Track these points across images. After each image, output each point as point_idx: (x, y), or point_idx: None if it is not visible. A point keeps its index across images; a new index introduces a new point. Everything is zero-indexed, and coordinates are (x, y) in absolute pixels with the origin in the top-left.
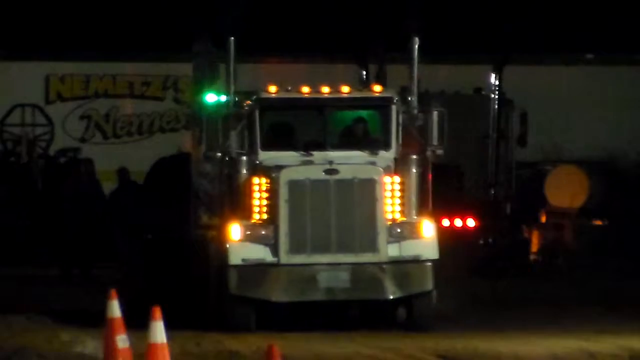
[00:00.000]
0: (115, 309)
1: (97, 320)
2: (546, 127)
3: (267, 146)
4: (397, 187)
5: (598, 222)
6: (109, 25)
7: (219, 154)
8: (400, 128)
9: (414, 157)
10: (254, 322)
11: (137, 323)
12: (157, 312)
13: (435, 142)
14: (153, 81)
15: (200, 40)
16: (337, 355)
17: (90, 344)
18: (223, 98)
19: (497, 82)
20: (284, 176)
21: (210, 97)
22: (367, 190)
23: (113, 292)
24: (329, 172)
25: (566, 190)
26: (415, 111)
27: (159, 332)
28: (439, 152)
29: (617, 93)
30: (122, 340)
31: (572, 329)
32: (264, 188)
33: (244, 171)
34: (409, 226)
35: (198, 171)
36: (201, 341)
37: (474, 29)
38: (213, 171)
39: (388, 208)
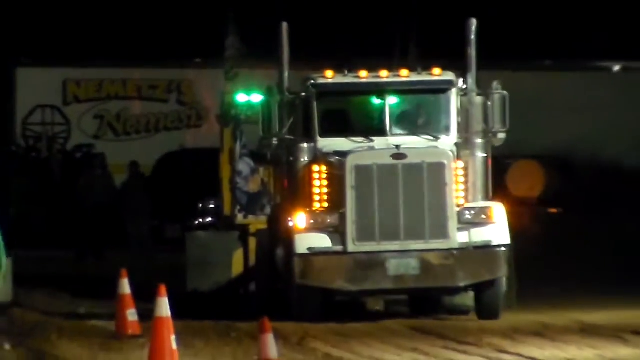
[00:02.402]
0: (125, 286)
1: (110, 297)
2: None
3: (326, 132)
4: (461, 172)
5: (553, 210)
6: (120, 35)
7: (275, 141)
8: (460, 112)
9: (477, 141)
10: (321, 312)
11: (145, 299)
12: (163, 289)
13: (497, 126)
14: (159, 85)
15: (230, 37)
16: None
17: (103, 317)
18: (255, 97)
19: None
20: (351, 162)
21: (241, 97)
22: (437, 174)
23: (123, 272)
24: (397, 156)
25: (525, 182)
26: (475, 94)
27: (164, 307)
28: (501, 136)
29: (570, 96)
30: (131, 314)
31: (531, 304)
32: (326, 175)
33: (303, 158)
34: (479, 211)
35: (233, 169)
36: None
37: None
38: (245, 170)
39: (457, 193)
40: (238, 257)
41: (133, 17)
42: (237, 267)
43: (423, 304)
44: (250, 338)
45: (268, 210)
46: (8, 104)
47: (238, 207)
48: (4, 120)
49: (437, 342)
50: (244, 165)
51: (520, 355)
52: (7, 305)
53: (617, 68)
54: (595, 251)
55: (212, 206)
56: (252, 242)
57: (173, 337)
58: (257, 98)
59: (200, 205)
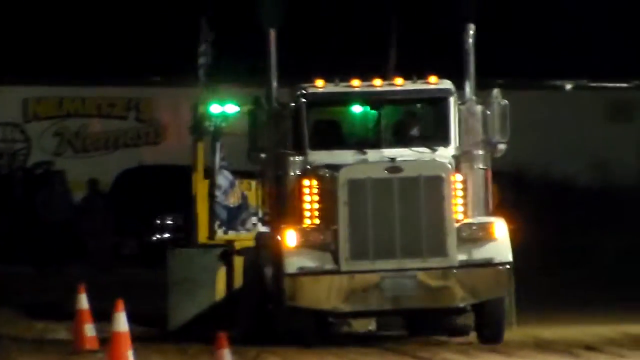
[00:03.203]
0: (83, 301)
1: (68, 312)
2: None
3: (316, 145)
4: (459, 185)
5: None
6: (79, 54)
7: (263, 155)
8: (458, 122)
9: (477, 153)
10: (313, 335)
11: (105, 317)
12: (120, 304)
13: (497, 136)
14: (117, 103)
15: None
16: None
17: (61, 332)
18: (229, 108)
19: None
20: (343, 176)
21: (215, 108)
22: (434, 189)
23: (82, 287)
24: (392, 170)
25: None
26: (474, 104)
27: (122, 322)
28: (502, 147)
29: (524, 114)
30: (89, 329)
31: None
32: (318, 190)
33: (293, 172)
34: (480, 227)
35: (212, 184)
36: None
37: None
38: (224, 183)
39: (456, 208)
40: (222, 275)
41: (93, 36)
42: (221, 285)
43: (421, 324)
44: (208, 354)
45: (249, 225)
46: None
47: (218, 222)
48: None
49: (393, 357)
50: (223, 179)
51: None
52: None
53: (569, 87)
54: (551, 266)
55: (169, 222)
56: (237, 260)
57: (130, 352)
58: (231, 109)
59: (159, 222)
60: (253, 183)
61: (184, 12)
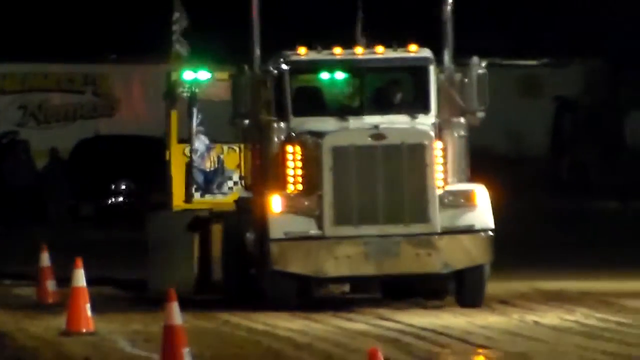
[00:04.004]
0: (45, 259)
1: (32, 270)
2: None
3: (299, 111)
4: (440, 153)
5: None
6: (41, 34)
7: (246, 121)
8: (437, 90)
9: (457, 120)
10: (295, 299)
11: (65, 273)
12: (79, 261)
13: (476, 104)
14: (76, 78)
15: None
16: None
17: (26, 288)
18: (201, 75)
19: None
20: (328, 142)
21: (188, 75)
22: (417, 156)
23: (44, 247)
24: (376, 137)
25: None
26: (453, 72)
27: (80, 278)
28: (480, 115)
29: None
30: (51, 285)
31: None
32: (301, 156)
33: (276, 139)
34: (462, 194)
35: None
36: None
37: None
38: (201, 147)
39: (438, 175)
40: (200, 238)
41: (53, 16)
42: (199, 248)
43: (397, 288)
44: (160, 307)
45: (225, 189)
46: None
47: (194, 187)
48: None
49: (329, 312)
50: (200, 143)
51: (399, 322)
52: None
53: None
54: None
55: (123, 187)
56: (215, 224)
57: (88, 305)
58: (204, 75)
59: (113, 187)
60: (226, 147)
61: None
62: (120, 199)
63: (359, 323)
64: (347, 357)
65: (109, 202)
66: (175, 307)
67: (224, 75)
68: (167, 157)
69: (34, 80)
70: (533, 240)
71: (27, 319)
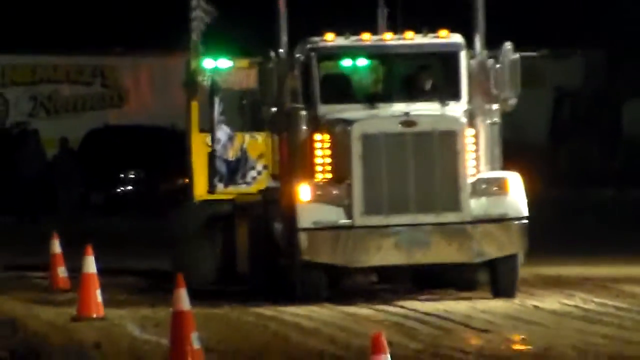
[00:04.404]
0: (56, 246)
1: (44, 257)
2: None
3: (327, 99)
4: (472, 140)
5: None
6: (51, 26)
7: (274, 109)
8: (468, 77)
9: (489, 107)
10: (325, 290)
11: (76, 260)
12: (89, 249)
13: (508, 91)
14: (85, 70)
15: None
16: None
17: (38, 275)
18: (221, 63)
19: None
20: (357, 130)
21: (208, 63)
22: (448, 142)
23: (55, 234)
24: (406, 124)
25: None
26: (485, 58)
27: (90, 264)
28: (512, 102)
29: None
30: (62, 271)
31: None
32: (330, 144)
33: (304, 127)
34: (494, 182)
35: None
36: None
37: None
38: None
39: (470, 163)
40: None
41: (63, 8)
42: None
43: (428, 277)
44: (168, 292)
45: (249, 178)
46: None
47: (218, 177)
48: None
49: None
50: (222, 133)
51: (403, 307)
52: None
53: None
54: None
55: (132, 176)
56: (240, 214)
57: (98, 291)
58: (225, 63)
59: (122, 176)
60: (248, 136)
61: None
62: (130, 187)
63: (364, 308)
64: (351, 341)
65: (119, 190)
66: (183, 292)
67: (244, 63)
68: (188, 147)
69: (43, 72)
70: (533, 228)
71: (38, 305)
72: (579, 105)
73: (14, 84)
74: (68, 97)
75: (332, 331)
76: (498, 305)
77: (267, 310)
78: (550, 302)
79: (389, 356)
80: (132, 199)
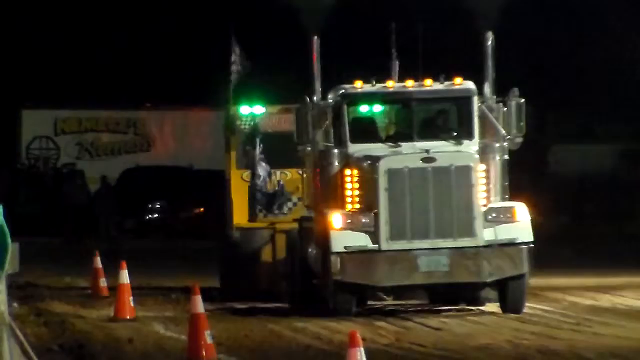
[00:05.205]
0: (98, 262)
1: (88, 271)
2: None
3: (356, 138)
4: (483, 174)
5: None
6: (94, 86)
7: (309, 148)
8: (479, 118)
9: (498, 145)
10: (354, 306)
11: (113, 273)
12: (124, 264)
13: (514, 131)
14: (121, 122)
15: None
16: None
17: (83, 284)
18: (256, 109)
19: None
20: (384, 165)
21: (244, 109)
22: (464, 176)
23: (97, 252)
24: (427, 160)
25: None
26: (494, 102)
27: (124, 276)
28: (518, 140)
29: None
30: (102, 282)
31: None
32: (359, 178)
33: (336, 163)
34: (504, 210)
35: (253, 174)
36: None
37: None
38: (263, 173)
39: (482, 194)
40: (266, 253)
41: (103, 74)
42: (266, 262)
43: (444, 295)
44: (187, 299)
45: (285, 209)
46: (15, 135)
47: (259, 207)
48: (13, 146)
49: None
50: (262, 169)
51: (375, 308)
52: (14, 275)
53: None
54: None
55: (157, 206)
56: (280, 240)
57: (131, 298)
58: (259, 110)
59: (150, 206)
60: (289, 172)
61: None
62: (156, 215)
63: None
64: (333, 337)
65: (147, 217)
66: (199, 299)
67: (275, 109)
68: (227, 182)
69: (87, 123)
70: None
71: (83, 309)
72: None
73: (63, 132)
74: (107, 143)
75: (318, 329)
76: (447, 309)
77: (266, 313)
78: (491, 307)
79: (362, 349)
80: (157, 225)
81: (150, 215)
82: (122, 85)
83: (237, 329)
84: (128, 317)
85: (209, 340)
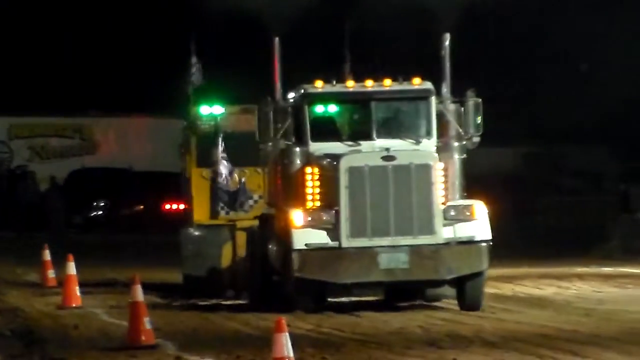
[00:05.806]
0: (47, 255)
1: (38, 263)
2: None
3: (317, 137)
4: (442, 172)
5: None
6: (44, 95)
7: (270, 146)
8: (438, 118)
9: (456, 144)
10: (315, 302)
11: (61, 265)
12: (71, 257)
13: (472, 130)
14: (68, 127)
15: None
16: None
17: (33, 275)
18: (216, 109)
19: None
20: (344, 163)
21: (204, 109)
22: (424, 175)
23: (46, 246)
24: (387, 158)
25: None
26: (450, 102)
27: (71, 268)
28: (476, 139)
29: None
30: (51, 273)
31: None
32: (320, 176)
33: (297, 161)
34: (463, 208)
35: (214, 172)
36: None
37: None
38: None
39: (441, 192)
40: (227, 248)
41: (52, 83)
42: (226, 257)
43: (402, 293)
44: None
45: (246, 207)
46: None
47: (220, 205)
48: None
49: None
50: (224, 168)
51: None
52: None
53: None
54: None
55: (102, 204)
56: (240, 237)
57: (77, 288)
58: (218, 110)
59: (95, 204)
60: (247, 170)
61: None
62: (100, 212)
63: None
64: (260, 323)
65: (92, 214)
66: (139, 288)
67: (235, 109)
68: (188, 179)
69: (38, 129)
70: None
71: (33, 297)
72: None
73: (17, 137)
74: (56, 147)
75: (247, 317)
76: (369, 299)
77: (201, 302)
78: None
79: (287, 334)
80: (101, 221)
81: (95, 212)
82: (69, 94)
83: (173, 316)
84: (74, 306)
85: (147, 326)
